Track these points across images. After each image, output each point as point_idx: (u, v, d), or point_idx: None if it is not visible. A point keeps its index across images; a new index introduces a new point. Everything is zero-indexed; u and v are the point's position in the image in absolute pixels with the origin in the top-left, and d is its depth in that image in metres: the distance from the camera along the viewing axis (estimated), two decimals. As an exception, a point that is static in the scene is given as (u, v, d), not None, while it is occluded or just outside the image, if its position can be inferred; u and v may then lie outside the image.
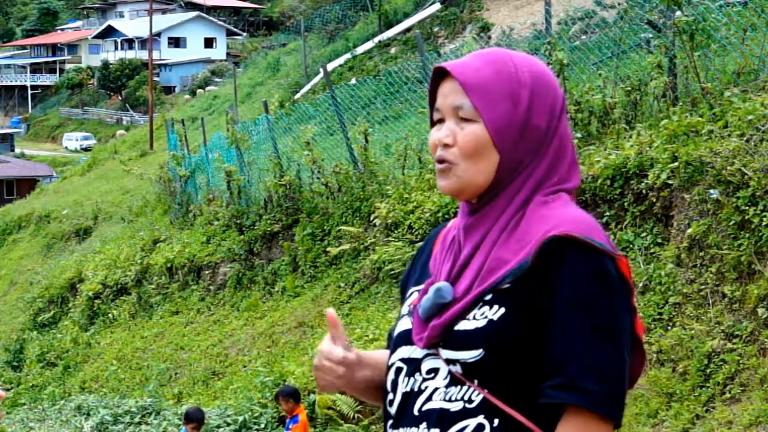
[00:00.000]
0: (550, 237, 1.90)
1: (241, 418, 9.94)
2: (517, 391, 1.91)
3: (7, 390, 17.01)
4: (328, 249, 12.93)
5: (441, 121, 2.04)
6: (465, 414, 1.93)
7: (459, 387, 1.95)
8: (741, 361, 6.26)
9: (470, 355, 1.93)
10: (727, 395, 6.20)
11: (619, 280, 1.92)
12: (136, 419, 11.29)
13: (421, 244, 2.30)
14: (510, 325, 1.91)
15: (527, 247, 1.93)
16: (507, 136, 1.98)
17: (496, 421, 1.91)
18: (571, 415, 1.87)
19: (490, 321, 1.92)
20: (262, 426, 9.80)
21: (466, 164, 1.98)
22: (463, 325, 1.95)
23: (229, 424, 10.00)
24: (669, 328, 6.92)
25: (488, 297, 1.94)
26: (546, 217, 1.96)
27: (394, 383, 2.07)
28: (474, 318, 1.94)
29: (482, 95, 1.97)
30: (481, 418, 1.92)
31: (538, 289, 1.91)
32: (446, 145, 2.00)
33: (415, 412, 1.99)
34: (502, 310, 1.92)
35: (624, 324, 1.92)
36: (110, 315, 17.91)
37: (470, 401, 1.93)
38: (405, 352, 2.06)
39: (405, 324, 2.10)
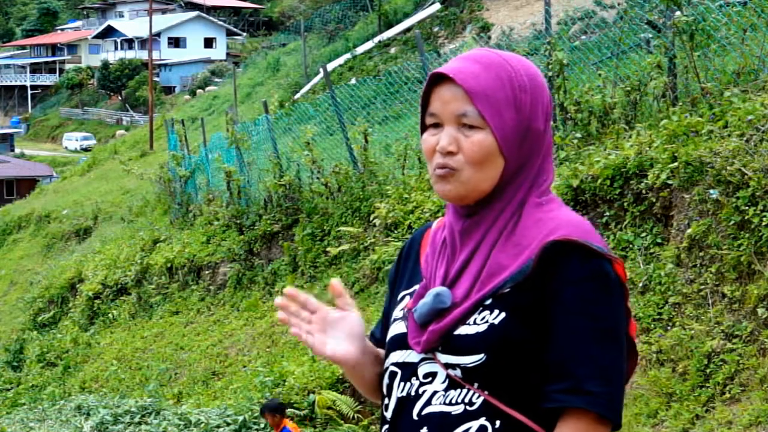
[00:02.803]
0: (551, 242, 1.91)
1: (241, 418, 9.94)
2: (517, 393, 1.92)
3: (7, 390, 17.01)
4: (327, 249, 12.93)
5: (435, 125, 2.01)
6: (467, 417, 1.93)
7: (459, 390, 1.95)
8: (741, 361, 6.25)
9: (471, 359, 1.93)
10: (727, 395, 6.20)
11: (616, 282, 1.93)
12: (136, 419, 11.29)
13: (404, 242, 2.29)
14: (511, 329, 1.91)
15: (526, 251, 1.94)
16: (512, 142, 1.97)
17: (497, 423, 1.91)
18: (572, 416, 1.88)
19: (491, 325, 1.92)
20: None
21: (471, 171, 1.97)
22: (463, 330, 1.94)
23: (229, 424, 10.00)
24: (669, 328, 6.92)
25: (488, 301, 1.94)
26: (542, 220, 1.97)
27: (389, 388, 2.07)
28: (474, 323, 1.94)
29: (488, 103, 1.95)
30: (483, 420, 1.92)
31: (539, 293, 1.91)
32: (450, 152, 1.98)
33: (415, 417, 1.99)
34: (503, 314, 1.92)
35: (622, 325, 1.94)
36: (110, 315, 17.92)
37: (471, 404, 1.93)
38: (399, 356, 2.06)
39: (399, 328, 2.08)
